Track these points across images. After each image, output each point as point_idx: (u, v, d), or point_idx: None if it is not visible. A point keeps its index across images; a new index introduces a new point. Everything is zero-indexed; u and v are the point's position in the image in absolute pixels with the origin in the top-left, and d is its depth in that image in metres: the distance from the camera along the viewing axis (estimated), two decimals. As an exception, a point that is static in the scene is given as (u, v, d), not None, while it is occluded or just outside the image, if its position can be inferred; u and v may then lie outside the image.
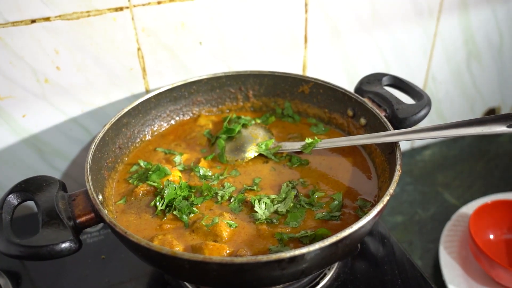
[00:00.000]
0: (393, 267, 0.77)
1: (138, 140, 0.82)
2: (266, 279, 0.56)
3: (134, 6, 0.78)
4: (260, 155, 0.79)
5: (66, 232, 0.56)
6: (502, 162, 1.18)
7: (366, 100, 0.78)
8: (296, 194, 0.70)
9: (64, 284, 0.77)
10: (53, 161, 0.88)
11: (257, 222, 0.66)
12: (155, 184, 0.71)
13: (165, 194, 0.68)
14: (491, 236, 0.94)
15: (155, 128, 0.85)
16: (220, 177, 0.74)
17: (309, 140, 0.76)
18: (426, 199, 1.08)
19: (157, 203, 0.68)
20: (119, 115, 0.76)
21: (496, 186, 1.10)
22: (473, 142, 1.25)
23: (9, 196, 0.61)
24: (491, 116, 0.61)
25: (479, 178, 1.13)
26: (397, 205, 1.06)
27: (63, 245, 0.55)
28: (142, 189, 0.71)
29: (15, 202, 0.62)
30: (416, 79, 1.11)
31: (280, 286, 0.69)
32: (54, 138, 0.86)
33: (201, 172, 0.75)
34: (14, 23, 0.72)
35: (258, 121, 0.86)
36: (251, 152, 0.79)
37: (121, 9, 0.78)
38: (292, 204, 0.68)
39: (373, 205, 0.67)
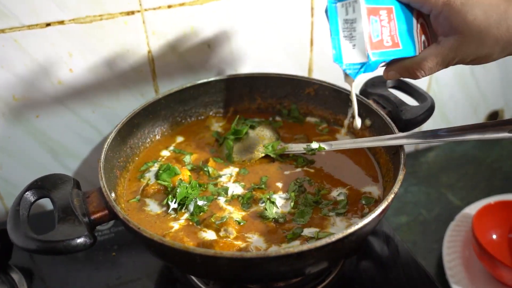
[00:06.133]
0: (398, 266, 0.78)
1: (148, 140, 0.84)
2: (274, 274, 0.58)
3: (145, 10, 0.80)
4: (267, 155, 0.80)
5: (81, 227, 0.58)
6: (506, 164, 1.19)
7: (370, 101, 0.79)
8: (302, 192, 0.71)
9: (75, 280, 0.78)
10: (64, 160, 0.90)
11: (265, 220, 0.67)
12: (166, 183, 0.73)
13: (177, 193, 0.70)
14: (494, 236, 0.95)
15: (164, 129, 0.87)
16: (229, 176, 0.76)
17: (315, 145, 0.77)
18: (430, 200, 1.09)
19: (169, 202, 0.70)
20: (130, 116, 0.78)
21: (500, 187, 1.11)
22: (476, 144, 1.26)
23: (26, 193, 0.63)
24: (493, 121, 0.61)
25: (483, 179, 1.14)
26: (401, 205, 1.08)
27: (79, 240, 0.57)
28: (153, 187, 0.73)
29: (32, 199, 0.63)
30: (420, 82, 1.11)
31: (287, 282, 0.71)
32: (66, 138, 0.88)
33: (210, 171, 0.77)
34: (30, 27, 0.74)
35: (266, 122, 0.88)
36: (258, 153, 0.80)
37: (132, 13, 0.80)
38: (299, 202, 0.69)
39: (377, 204, 0.69)
